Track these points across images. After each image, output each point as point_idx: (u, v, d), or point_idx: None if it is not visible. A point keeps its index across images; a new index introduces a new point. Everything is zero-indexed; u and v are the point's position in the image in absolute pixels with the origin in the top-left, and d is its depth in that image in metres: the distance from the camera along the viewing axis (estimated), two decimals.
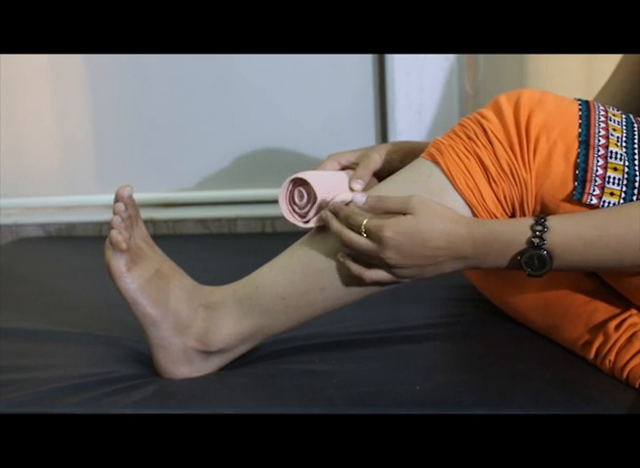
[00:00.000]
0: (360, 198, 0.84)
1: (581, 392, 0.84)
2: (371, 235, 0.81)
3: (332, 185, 0.91)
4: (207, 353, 0.91)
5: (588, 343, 0.90)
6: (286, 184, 0.89)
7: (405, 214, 0.81)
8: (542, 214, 0.82)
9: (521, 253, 0.79)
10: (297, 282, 0.89)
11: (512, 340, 0.99)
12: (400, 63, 1.57)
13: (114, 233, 0.86)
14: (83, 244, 1.71)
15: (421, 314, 1.10)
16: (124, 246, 0.87)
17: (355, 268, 0.84)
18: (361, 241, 0.82)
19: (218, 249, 1.60)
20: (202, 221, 1.76)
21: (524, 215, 0.84)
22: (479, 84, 1.60)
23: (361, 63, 1.66)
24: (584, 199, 0.80)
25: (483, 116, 0.84)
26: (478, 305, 1.10)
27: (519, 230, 0.79)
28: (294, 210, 0.90)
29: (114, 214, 0.87)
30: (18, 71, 1.74)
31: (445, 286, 1.18)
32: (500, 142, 0.82)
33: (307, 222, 0.89)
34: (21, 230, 1.82)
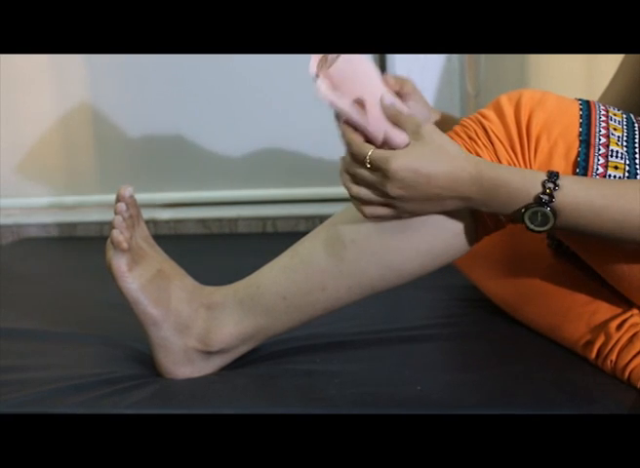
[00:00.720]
0: (388, 99, 0.82)
1: (583, 392, 0.84)
2: (375, 167, 0.79)
3: (367, 73, 0.86)
4: (208, 353, 0.91)
5: (590, 343, 0.90)
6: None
7: (413, 140, 0.79)
8: None
9: (526, 206, 0.77)
10: (298, 282, 0.89)
11: (513, 340, 0.98)
12: (401, 63, 1.56)
13: (115, 233, 0.87)
14: (84, 244, 1.72)
15: (423, 314, 1.10)
16: (125, 245, 0.87)
17: (355, 203, 0.83)
18: (364, 173, 0.80)
19: (219, 249, 1.60)
20: (203, 221, 1.76)
21: None
22: (480, 84, 1.60)
23: None
24: None
25: (484, 116, 0.84)
26: (479, 305, 1.10)
27: (529, 182, 0.77)
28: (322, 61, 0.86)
29: (115, 213, 0.88)
30: (18, 71, 1.74)
31: (446, 286, 1.18)
32: (500, 142, 0.82)
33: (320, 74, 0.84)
34: (23, 230, 1.82)
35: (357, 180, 0.82)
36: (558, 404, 0.81)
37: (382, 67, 1.63)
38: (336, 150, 0.99)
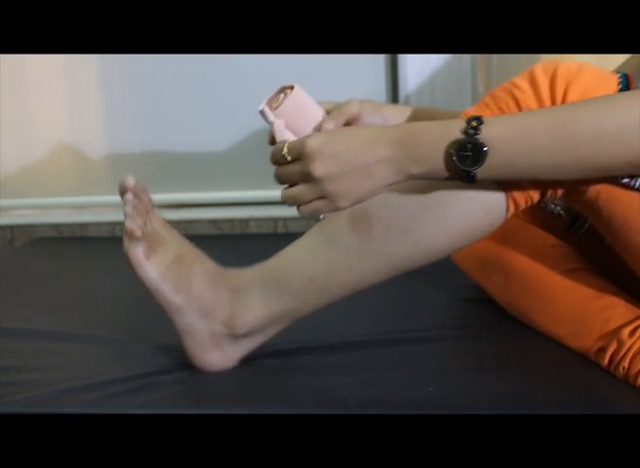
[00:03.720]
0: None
1: (596, 394, 0.83)
2: (295, 155, 0.80)
3: (310, 107, 0.97)
4: (235, 336, 0.90)
5: (602, 350, 0.88)
6: (277, 89, 0.99)
7: None
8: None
9: (453, 143, 0.74)
10: (324, 262, 0.87)
11: (526, 342, 0.98)
12: (412, 64, 1.56)
13: (128, 222, 0.85)
14: (96, 244, 1.72)
15: (435, 315, 1.10)
16: (139, 233, 0.85)
17: (294, 207, 0.84)
18: (288, 168, 0.81)
19: (230, 249, 1.59)
20: (214, 222, 1.77)
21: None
22: (491, 84, 1.59)
23: (373, 64, 1.66)
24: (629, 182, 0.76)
25: (516, 86, 0.81)
26: (491, 307, 1.09)
27: (453, 123, 0.75)
28: (270, 105, 0.98)
29: (125, 204, 0.86)
30: (32, 72, 1.75)
31: (458, 287, 1.18)
32: None
33: (268, 113, 0.97)
34: (35, 230, 1.83)
35: (286, 181, 0.82)
36: (571, 405, 0.81)
37: (394, 67, 1.63)
38: None
